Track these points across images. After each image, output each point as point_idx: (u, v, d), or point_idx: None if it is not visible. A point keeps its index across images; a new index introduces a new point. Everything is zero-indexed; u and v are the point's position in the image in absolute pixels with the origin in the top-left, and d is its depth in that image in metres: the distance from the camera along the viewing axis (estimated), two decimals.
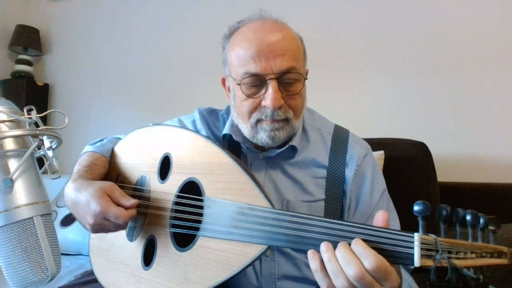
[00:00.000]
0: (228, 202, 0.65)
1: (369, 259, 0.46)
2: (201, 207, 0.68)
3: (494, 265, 0.49)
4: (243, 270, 0.61)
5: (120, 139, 0.92)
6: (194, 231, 0.67)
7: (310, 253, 0.52)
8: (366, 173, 0.82)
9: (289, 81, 0.74)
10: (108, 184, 0.71)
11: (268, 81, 0.73)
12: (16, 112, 0.58)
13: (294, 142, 0.81)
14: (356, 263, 0.47)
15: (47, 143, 0.60)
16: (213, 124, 0.92)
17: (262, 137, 0.77)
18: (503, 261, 0.49)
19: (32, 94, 2.27)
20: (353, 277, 0.47)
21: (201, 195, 0.69)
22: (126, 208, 0.67)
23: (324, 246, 0.51)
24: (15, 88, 2.25)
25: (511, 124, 1.43)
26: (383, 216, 0.52)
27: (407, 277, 0.68)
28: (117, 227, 0.69)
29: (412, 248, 0.47)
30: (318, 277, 0.51)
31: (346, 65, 1.72)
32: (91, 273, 0.85)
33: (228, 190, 0.66)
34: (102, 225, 0.68)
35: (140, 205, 0.77)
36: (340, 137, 0.86)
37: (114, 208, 0.66)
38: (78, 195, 0.70)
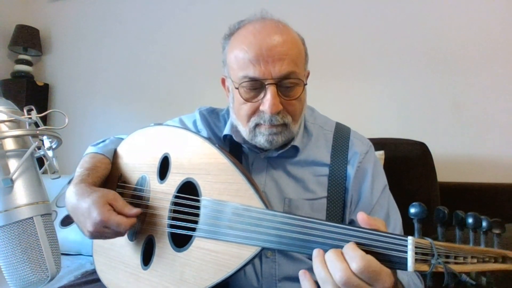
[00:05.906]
0: (224, 203, 0.65)
1: (356, 259, 0.45)
2: (198, 208, 0.68)
3: (501, 271, 0.46)
4: (238, 271, 0.61)
5: (122, 139, 0.92)
6: (191, 232, 0.67)
7: (302, 273, 0.52)
8: (367, 169, 0.82)
9: (289, 86, 0.73)
10: (111, 193, 0.71)
11: (266, 86, 0.72)
12: (16, 112, 0.57)
13: (296, 142, 0.81)
14: (343, 267, 0.46)
15: (47, 143, 0.60)
16: (214, 124, 0.92)
17: (260, 140, 0.77)
18: (508, 266, 0.46)
19: (32, 94, 2.27)
20: (339, 281, 0.46)
21: (198, 196, 0.69)
22: (128, 217, 0.69)
23: (315, 252, 0.51)
24: (15, 88, 2.25)
25: (511, 124, 1.43)
26: (362, 217, 0.51)
27: (410, 273, 0.67)
28: (116, 235, 0.70)
29: (406, 252, 0.45)
30: None
31: (346, 65, 1.72)
32: (91, 273, 0.85)
33: (225, 191, 0.66)
34: (101, 233, 0.69)
35: (140, 205, 0.77)
36: (341, 135, 0.86)
37: (116, 217, 0.67)
38: (80, 201, 0.70)
